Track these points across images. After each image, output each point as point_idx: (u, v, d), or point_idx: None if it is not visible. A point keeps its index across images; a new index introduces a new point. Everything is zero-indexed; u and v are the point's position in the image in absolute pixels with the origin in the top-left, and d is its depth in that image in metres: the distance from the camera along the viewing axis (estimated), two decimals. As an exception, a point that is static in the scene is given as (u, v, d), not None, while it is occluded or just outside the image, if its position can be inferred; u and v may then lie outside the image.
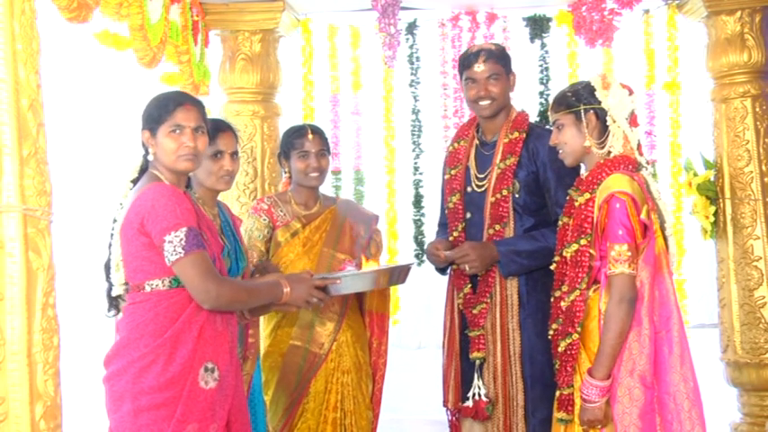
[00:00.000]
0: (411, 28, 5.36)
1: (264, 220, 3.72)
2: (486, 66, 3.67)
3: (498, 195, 3.64)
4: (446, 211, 3.83)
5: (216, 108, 4.97)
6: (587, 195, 3.05)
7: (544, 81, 5.30)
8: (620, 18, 4.55)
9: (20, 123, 2.56)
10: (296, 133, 3.77)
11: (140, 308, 2.68)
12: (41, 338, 2.57)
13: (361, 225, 3.81)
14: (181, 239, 2.62)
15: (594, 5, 4.52)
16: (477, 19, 5.32)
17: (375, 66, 5.39)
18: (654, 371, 2.95)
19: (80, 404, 4.26)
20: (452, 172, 3.81)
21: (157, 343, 2.64)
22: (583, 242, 3.01)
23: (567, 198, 3.23)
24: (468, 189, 3.75)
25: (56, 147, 2.85)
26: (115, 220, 2.77)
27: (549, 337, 3.15)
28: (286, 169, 3.81)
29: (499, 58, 3.71)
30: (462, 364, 3.72)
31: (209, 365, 2.69)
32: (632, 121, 3.12)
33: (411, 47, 5.38)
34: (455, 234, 3.75)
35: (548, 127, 3.58)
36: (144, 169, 2.83)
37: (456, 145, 3.86)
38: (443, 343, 3.83)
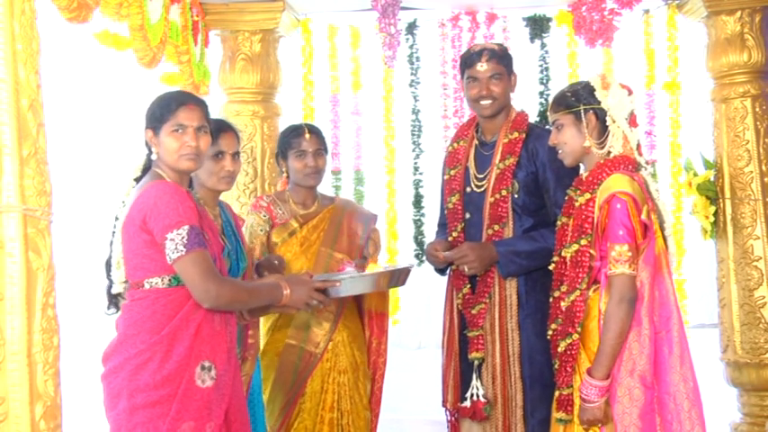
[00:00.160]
0: (411, 28, 5.36)
1: (265, 216, 3.73)
2: (489, 65, 3.67)
3: (497, 195, 3.64)
4: (445, 212, 3.83)
5: (216, 108, 4.97)
6: (588, 195, 3.05)
7: (544, 81, 5.30)
8: (620, 18, 4.55)
9: (20, 123, 2.56)
10: (293, 132, 3.77)
11: (138, 305, 2.69)
12: (41, 338, 2.57)
13: (359, 225, 3.81)
14: (183, 237, 2.62)
15: (594, 5, 4.52)
16: (477, 19, 5.32)
17: (375, 66, 5.39)
18: (654, 371, 2.95)
19: (80, 404, 4.26)
20: (452, 172, 3.81)
21: (154, 340, 2.64)
22: (583, 242, 3.01)
23: (566, 198, 3.24)
24: (468, 189, 3.75)
25: (56, 147, 2.85)
26: (117, 218, 2.77)
27: (548, 337, 3.16)
28: (283, 169, 3.81)
29: (501, 58, 3.71)
30: (461, 365, 3.72)
31: (206, 364, 2.69)
32: (632, 121, 3.12)
33: (411, 47, 5.37)
34: (454, 234, 3.75)
35: (547, 127, 3.58)
36: (147, 168, 2.84)
37: (455, 145, 3.86)
38: (443, 343, 3.83)
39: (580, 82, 3.25)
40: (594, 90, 3.10)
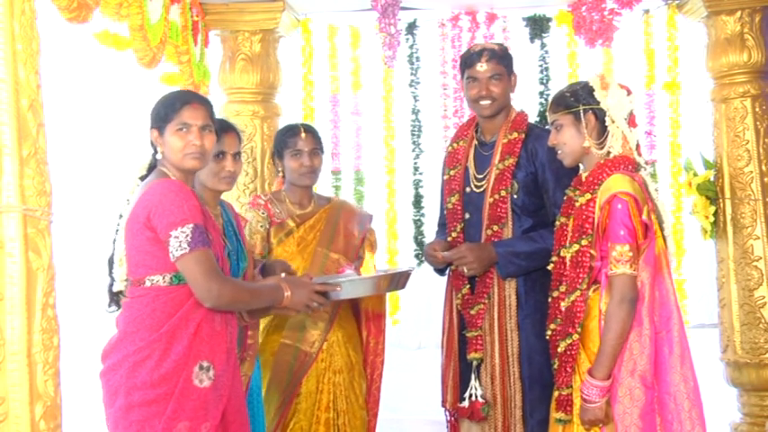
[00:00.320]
0: (411, 28, 5.36)
1: (263, 213, 3.73)
2: (489, 65, 3.67)
3: (497, 196, 3.64)
4: (445, 212, 3.83)
5: (216, 108, 4.95)
6: (588, 196, 3.05)
7: (544, 81, 5.30)
8: (620, 18, 4.55)
9: (20, 123, 2.56)
10: (289, 132, 3.77)
11: (138, 302, 2.69)
12: (41, 338, 2.57)
13: (355, 225, 3.81)
14: (187, 235, 2.62)
15: (594, 5, 4.52)
16: (477, 19, 5.32)
17: (375, 66, 5.39)
18: (654, 371, 2.95)
19: (80, 404, 4.26)
20: (451, 172, 3.81)
21: (153, 338, 2.65)
22: (584, 242, 3.01)
23: (565, 198, 3.24)
24: (467, 189, 3.75)
25: (56, 147, 2.85)
26: (121, 216, 2.78)
27: (547, 337, 3.16)
28: (279, 168, 3.81)
29: (502, 58, 3.71)
30: (461, 365, 3.72)
31: (205, 364, 2.69)
32: (631, 121, 3.12)
33: (411, 47, 5.37)
34: (454, 234, 3.75)
35: (547, 127, 3.58)
36: (153, 167, 2.84)
37: (455, 145, 3.86)
38: (442, 343, 3.83)
39: (579, 82, 3.25)
40: (594, 90, 3.10)
